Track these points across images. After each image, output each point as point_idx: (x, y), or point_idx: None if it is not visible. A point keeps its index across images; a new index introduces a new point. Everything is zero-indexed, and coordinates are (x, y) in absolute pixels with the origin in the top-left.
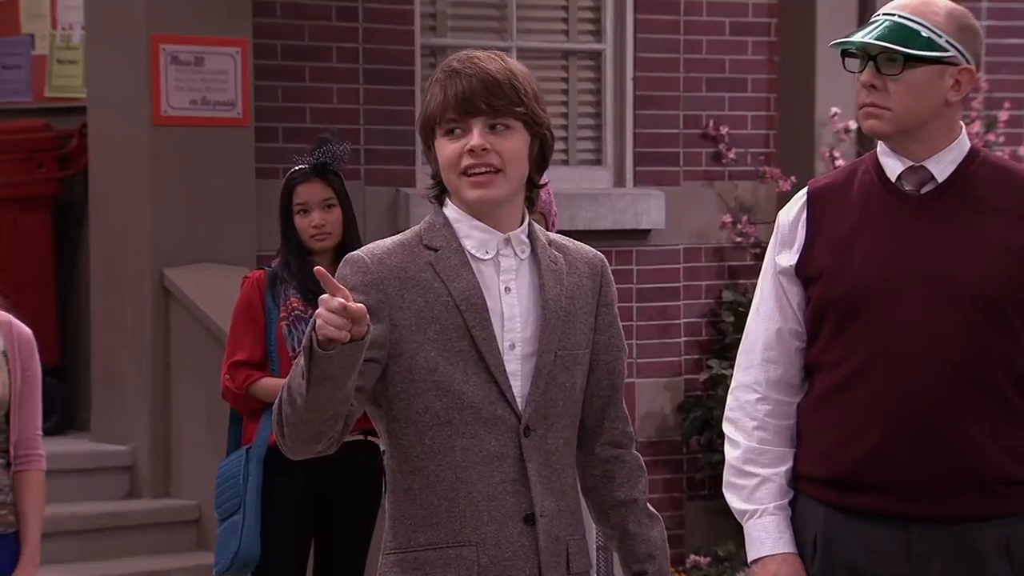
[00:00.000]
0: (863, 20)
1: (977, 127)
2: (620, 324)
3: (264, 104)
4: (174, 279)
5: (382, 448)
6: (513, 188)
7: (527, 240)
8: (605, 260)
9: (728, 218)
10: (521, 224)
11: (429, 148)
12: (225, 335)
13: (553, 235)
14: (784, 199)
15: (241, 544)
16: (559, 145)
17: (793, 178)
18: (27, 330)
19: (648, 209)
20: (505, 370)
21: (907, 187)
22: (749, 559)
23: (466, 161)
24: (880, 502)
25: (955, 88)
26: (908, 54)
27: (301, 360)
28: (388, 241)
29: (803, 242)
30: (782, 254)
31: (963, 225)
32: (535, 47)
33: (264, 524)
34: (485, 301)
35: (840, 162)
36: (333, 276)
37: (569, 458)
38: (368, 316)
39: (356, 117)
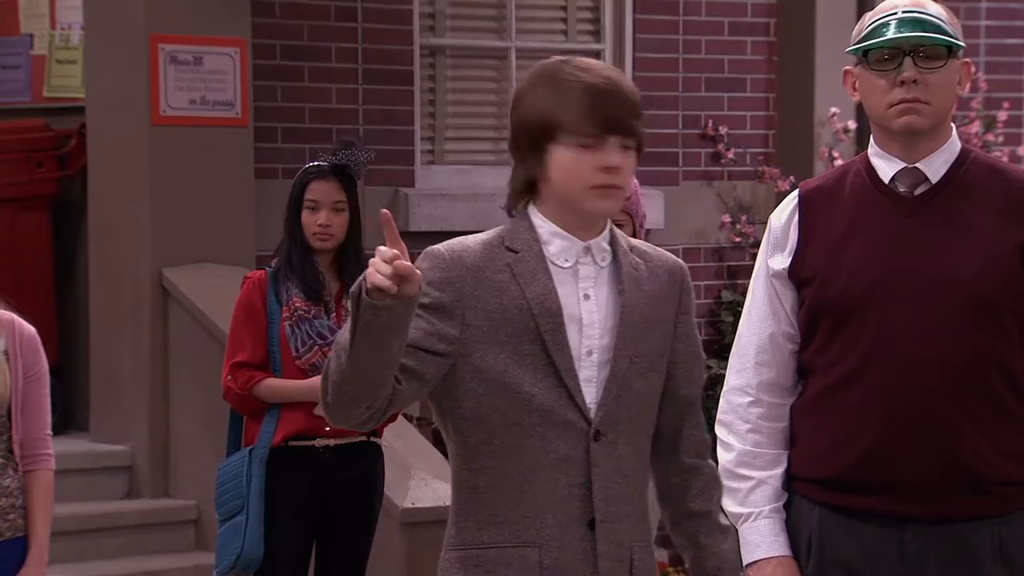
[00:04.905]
0: None
1: (976, 127)
2: (697, 333)
3: (263, 104)
4: (173, 279)
5: (383, 446)
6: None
7: (608, 247)
8: (685, 268)
9: (727, 218)
10: (602, 231)
11: (532, 149)
12: (224, 335)
13: (635, 241)
14: (783, 199)
15: (244, 545)
16: None
17: (792, 178)
18: (31, 329)
19: (647, 209)
20: (576, 375)
21: (901, 188)
22: (744, 562)
23: (602, 179)
24: (875, 503)
25: (960, 83)
26: (954, 45)
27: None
28: (470, 239)
29: (796, 245)
30: (774, 257)
31: (956, 226)
32: (534, 47)
33: (267, 525)
34: (561, 306)
35: (839, 162)
36: (327, 276)
37: (639, 464)
38: (419, 277)
39: (355, 117)
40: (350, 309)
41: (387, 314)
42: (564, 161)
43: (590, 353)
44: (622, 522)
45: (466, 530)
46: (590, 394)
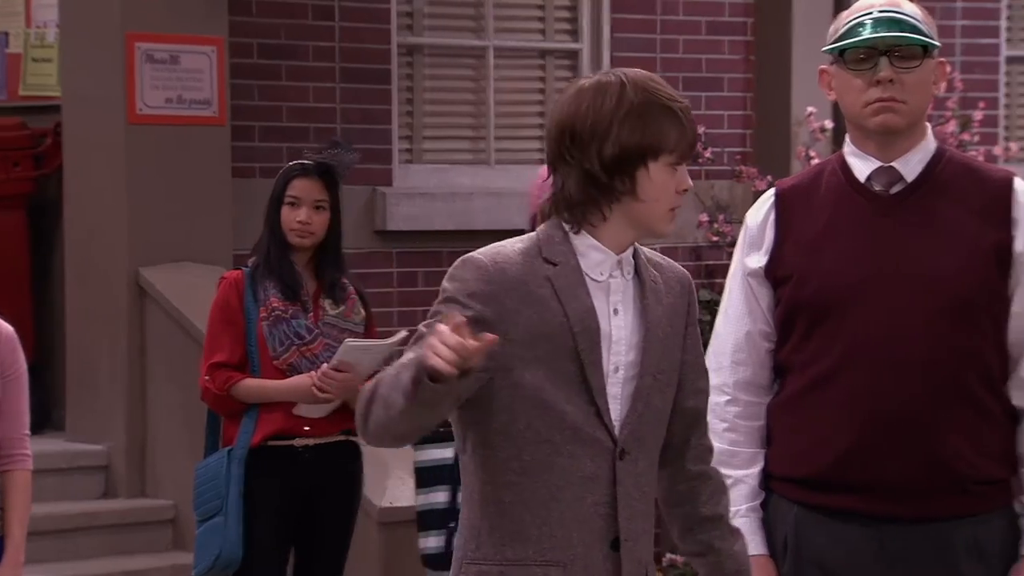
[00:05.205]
0: None
1: (952, 127)
2: (701, 344)
3: (240, 103)
4: (150, 278)
5: (362, 445)
6: None
7: (632, 260)
8: (691, 278)
9: (705, 217)
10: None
11: (628, 166)
12: (201, 334)
13: (648, 252)
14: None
15: (224, 546)
16: (535, 145)
17: (769, 177)
18: (9, 328)
19: None
20: (606, 394)
21: (876, 187)
22: None
23: (678, 200)
24: (852, 502)
25: (936, 82)
26: (929, 44)
27: (395, 371)
28: (509, 248)
29: (772, 243)
30: (751, 256)
31: (932, 225)
32: (512, 46)
33: (246, 526)
34: (599, 325)
35: (816, 161)
36: (304, 276)
37: (653, 479)
38: (483, 355)
39: (332, 116)
40: (407, 384)
41: (447, 390)
42: (662, 181)
43: (616, 370)
44: (640, 539)
45: (488, 545)
46: (615, 411)
